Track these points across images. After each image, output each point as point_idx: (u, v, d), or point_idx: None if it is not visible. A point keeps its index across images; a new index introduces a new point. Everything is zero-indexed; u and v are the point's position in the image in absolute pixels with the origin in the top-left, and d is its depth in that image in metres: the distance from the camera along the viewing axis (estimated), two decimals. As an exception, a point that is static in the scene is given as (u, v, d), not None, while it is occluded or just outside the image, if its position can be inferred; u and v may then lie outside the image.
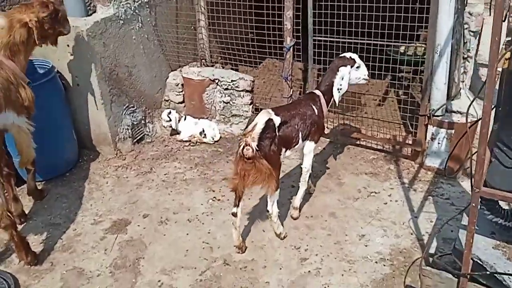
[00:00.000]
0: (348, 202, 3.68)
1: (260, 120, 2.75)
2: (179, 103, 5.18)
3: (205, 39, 4.95)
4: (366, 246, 3.22)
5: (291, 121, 3.09)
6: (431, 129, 3.78)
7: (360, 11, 4.02)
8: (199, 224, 3.54)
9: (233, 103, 4.80)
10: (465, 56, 3.56)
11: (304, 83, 5.82)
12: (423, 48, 6.43)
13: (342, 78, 3.27)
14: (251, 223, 3.50)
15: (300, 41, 4.26)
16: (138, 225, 3.56)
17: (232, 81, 4.70)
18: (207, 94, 4.91)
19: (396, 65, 4.18)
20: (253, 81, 4.74)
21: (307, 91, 3.56)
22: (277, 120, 2.93)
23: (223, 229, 3.45)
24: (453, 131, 3.66)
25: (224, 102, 4.84)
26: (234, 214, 3.10)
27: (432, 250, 3.13)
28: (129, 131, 4.59)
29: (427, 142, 3.86)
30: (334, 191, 3.83)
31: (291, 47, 4.24)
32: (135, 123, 4.66)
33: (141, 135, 4.81)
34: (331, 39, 4.11)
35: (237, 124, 4.88)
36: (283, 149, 3.07)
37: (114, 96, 4.33)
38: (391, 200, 3.68)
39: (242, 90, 4.71)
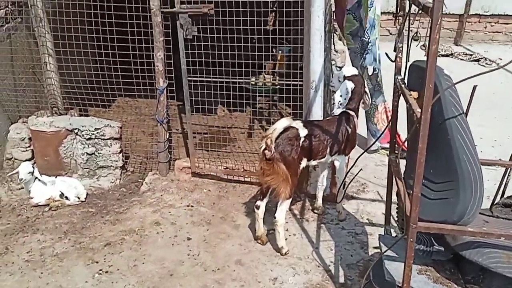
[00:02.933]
0: (250, 245, 3.55)
1: (279, 125, 3.07)
2: (26, 160, 4.33)
3: (55, 84, 4.27)
4: (281, 289, 3.13)
5: (320, 135, 3.33)
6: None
7: (222, 50, 4.04)
8: (90, 308, 2.95)
9: (99, 153, 4.24)
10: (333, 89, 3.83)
11: (181, 124, 5.52)
12: (271, 78, 6.93)
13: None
14: (154, 292, 3.07)
15: (173, 82, 4.02)
16: (8, 329, 2.78)
17: (96, 129, 4.15)
18: (64, 146, 4.22)
19: (255, 96, 4.32)
20: (121, 127, 4.27)
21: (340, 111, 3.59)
22: (303, 131, 3.21)
23: (123, 307, 2.94)
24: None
25: (87, 153, 4.23)
26: (257, 207, 3.40)
27: (341, 279, 3.23)
28: (-34, 205, 3.63)
29: (310, 172, 4.01)
30: (232, 236, 3.65)
31: (165, 89, 3.96)
32: (-27, 194, 3.72)
33: (-18, 207, 3.86)
34: (202, 78, 4.00)
35: (105, 176, 4.31)
36: (305, 159, 3.32)
37: None
38: (290, 235, 3.68)
39: (109, 138, 4.19)
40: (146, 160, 4.71)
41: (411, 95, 2.20)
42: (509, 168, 3.11)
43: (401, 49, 2.51)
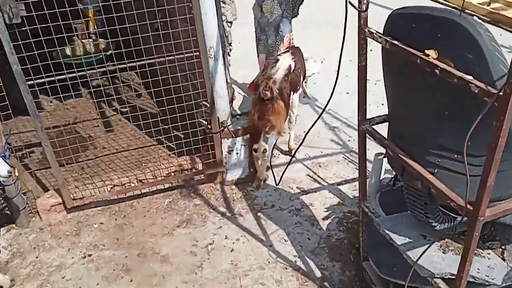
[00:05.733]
0: (194, 277, 2.74)
1: (284, 65, 3.01)
2: None
3: None
4: (266, 317, 2.51)
5: (298, 66, 3.26)
6: (227, 142, 3.21)
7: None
8: None
9: None
10: (228, 50, 3.05)
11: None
12: (91, 42, 5.57)
13: None
14: None
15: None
16: None
17: None
18: None
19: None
20: None
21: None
22: (293, 65, 3.13)
23: None
24: (248, 135, 3.23)
25: None
26: (255, 150, 3.18)
27: (317, 273, 2.78)
28: None
29: (225, 157, 3.28)
30: (169, 274, 2.76)
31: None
32: None
33: None
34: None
35: None
36: (291, 93, 3.21)
37: None
38: (233, 242, 2.99)
39: None
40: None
41: (427, 54, 1.66)
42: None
43: (368, -9, 1.90)
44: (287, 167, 3.09)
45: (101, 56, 4.96)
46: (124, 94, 4.52)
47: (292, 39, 4.07)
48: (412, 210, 2.12)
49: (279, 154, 3.81)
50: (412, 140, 2.02)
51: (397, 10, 1.86)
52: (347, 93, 4.37)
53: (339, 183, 3.51)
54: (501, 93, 1.37)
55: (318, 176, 3.59)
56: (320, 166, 3.71)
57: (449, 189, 1.77)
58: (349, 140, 3.97)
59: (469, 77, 1.51)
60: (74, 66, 2.85)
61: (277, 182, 3.27)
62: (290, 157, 3.22)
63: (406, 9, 1.82)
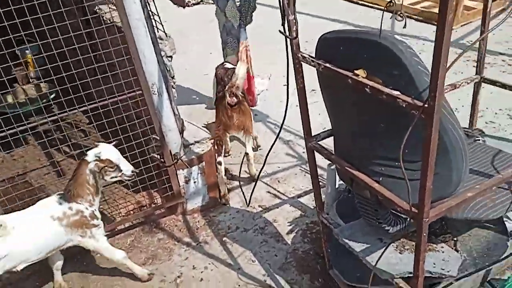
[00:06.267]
0: (170, 315, 2.73)
1: (241, 72, 3.30)
2: None
3: None
4: None
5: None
6: (182, 173, 3.21)
7: None
8: None
9: None
10: (172, 83, 3.07)
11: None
12: (33, 88, 5.52)
13: None
14: None
15: None
16: None
17: None
18: None
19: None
20: None
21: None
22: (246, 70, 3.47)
23: None
24: (203, 163, 3.25)
25: None
26: (220, 163, 3.42)
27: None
28: None
29: (183, 188, 3.29)
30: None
31: None
32: None
33: None
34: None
35: None
36: None
37: None
38: (202, 271, 2.99)
39: None
40: None
41: (357, 74, 1.77)
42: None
43: (294, 20, 2.00)
44: (254, 187, 3.19)
45: (44, 101, 4.85)
46: (70, 142, 4.39)
47: (248, 45, 4.15)
48: (365, 217, 2.22)
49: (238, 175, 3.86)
50: (355, 152, 2.13)
51: (324, 34, 1.96)
52: (296, 105, 4.46)
53: (299, 195, 3.60)
54: (426, 105, 1.49)
55: (278, 192, 3.67)
56: (279, 181, 3.79)
57: (394, 195, 1.88)
58: (303, 152, 4.07)
59: (396, 93, 1.62)
60: (12, 120, 2.76)
61: (248, 203, 3.45)
62: (255, 181, 3.34)
63: (332, 33, 1.93)
